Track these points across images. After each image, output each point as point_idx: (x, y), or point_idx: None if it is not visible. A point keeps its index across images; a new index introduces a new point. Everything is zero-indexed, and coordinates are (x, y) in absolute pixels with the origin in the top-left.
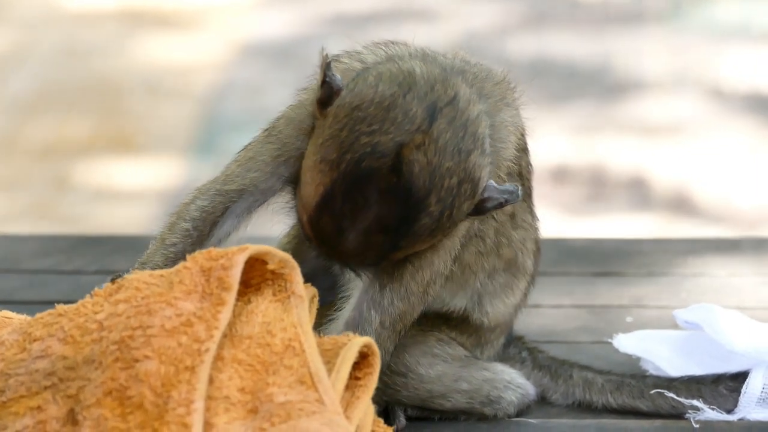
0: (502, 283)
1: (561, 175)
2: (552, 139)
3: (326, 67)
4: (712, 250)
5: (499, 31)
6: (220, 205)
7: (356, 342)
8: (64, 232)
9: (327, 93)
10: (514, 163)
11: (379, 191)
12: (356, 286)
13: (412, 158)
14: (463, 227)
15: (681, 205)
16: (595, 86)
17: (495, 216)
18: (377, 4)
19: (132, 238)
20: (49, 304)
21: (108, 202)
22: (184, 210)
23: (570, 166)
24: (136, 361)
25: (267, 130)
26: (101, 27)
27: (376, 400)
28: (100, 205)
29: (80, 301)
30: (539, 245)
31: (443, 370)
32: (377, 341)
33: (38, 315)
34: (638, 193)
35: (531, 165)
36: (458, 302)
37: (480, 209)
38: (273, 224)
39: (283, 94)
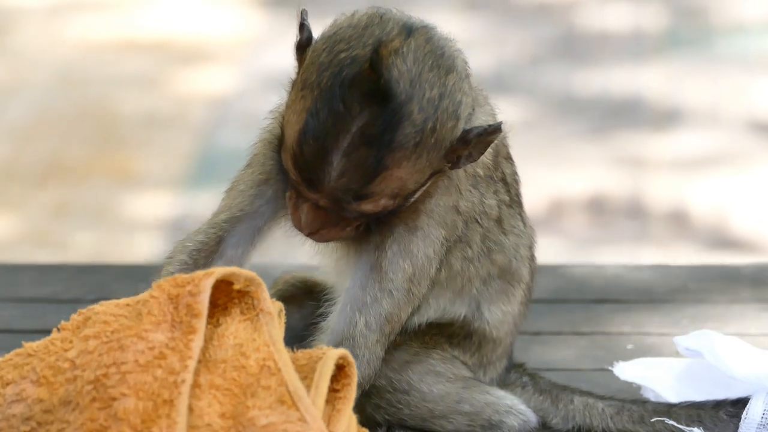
0: (497, 290)
1: (559, 206)
2: (548, 171)
3: (303, 13)
4: (713, 276)
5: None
6: (213, 236)
7: (331, 355)
8: (62, 260)
9: (305, 36)
10: (491, 167)
11: (361, 96)
12: (341, 289)
13: (390, 61)
14: (443, 203)
15: (681, 231)
16: (589, 115)
17: (480, 221)
18: None
19: (131, 267)
20: (48, 333)
21: (107, 231)
22: (181, 244)
23: (568, 197)
24: (114, 399)
25: (248, 158)
26: (99, 56)
27: (377, 420)
28: (99, 234)
29: (48, 338)
30: (533, 253)
31: (446, 390)
32: (365, 345)
33: (6, 356)
34: (638, 220)
35: (517, 174)
36: (457, 309)
37: (465, 139)
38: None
39: None
